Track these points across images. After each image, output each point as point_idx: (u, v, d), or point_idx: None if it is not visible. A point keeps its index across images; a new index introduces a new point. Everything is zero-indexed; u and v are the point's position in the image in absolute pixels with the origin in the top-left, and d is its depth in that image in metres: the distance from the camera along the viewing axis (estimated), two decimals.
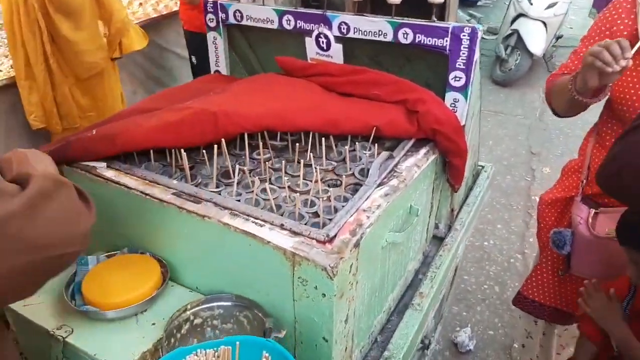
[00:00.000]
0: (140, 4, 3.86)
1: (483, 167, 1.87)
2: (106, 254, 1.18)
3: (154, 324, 1.04)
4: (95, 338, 1.00)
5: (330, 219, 1.02)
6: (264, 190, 1.15)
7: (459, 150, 1.29)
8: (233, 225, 0.99)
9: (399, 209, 1.16)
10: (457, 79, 1.30)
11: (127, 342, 0.99)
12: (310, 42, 1.49)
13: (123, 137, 1.18)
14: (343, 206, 1.06)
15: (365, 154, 1.28)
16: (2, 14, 2.51)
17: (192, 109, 1.21)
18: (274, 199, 1.12)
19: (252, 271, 1.02)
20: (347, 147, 1.27)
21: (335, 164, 1.26)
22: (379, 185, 1.12)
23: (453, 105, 1.34)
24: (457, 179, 1.39)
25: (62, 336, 0.99)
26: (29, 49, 2.49)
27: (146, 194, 1.10)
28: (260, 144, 1.28)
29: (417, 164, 1.23)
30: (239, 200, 1.09)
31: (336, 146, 1.30)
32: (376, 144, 1.26)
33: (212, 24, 1.67)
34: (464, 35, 1.22)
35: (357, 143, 1.29)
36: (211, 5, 1.63)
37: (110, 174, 1.16)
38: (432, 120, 1.24)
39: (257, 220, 1.00)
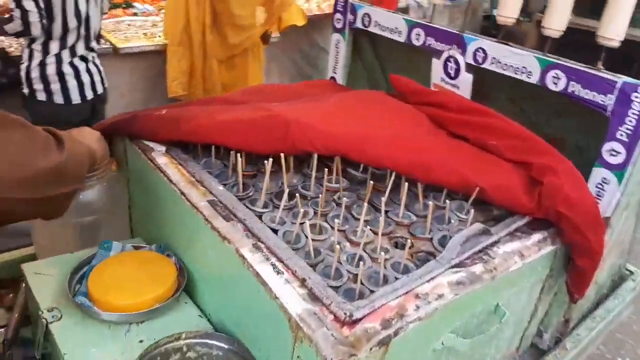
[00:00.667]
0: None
1: (632, 272, 1.41)
2: (134, 245, 1.07)
3: (141, 341, 0.89)
4: (76, 335, 0.88)
5: (371, 291, 0.78)
6: (313, 227, 0.93)
7: (589, 249, 0.93)
8: (248, 261, 0.80)
9: (475, 305, 0.86)
10: (614, 153, 0.94)
11: (104, 352, 0.86)
12: (437, 65, 1.23)
13: (188, 125, 1.05)
14: (396, 278, 0.81)
15: (458, 217, 0.99)
16: None
17: (267, 112, 1.04)
18: (318, 240, 0.90)
19: (258, 321, 0.82)
20: (434, 202, 0.99)
21: (415, 218, 1.00)
22: (455, 266, 0.83)
23: (599, 186, 0.98)
24: (579, 287, 1.02)
25: (45, 319, 0.89)
26: (191, 17, 2.60)
27: (183, 193, 0.95)
28: (339, 168, 1.07)
29: (522, 253, 0.91)
30: (276, 231, 0.90)
31: (426, 197, 1.03)
32: (472, 210, 0.96)
33: (339, 25, 1.50)
34: (637, 97, 0.87)
35: (452, 201, 1.01)
36: (341, 4, 1.46)
37: (161, 160, 1.05)
38: (559, 199, 0.90)
39: (277, 264, 0.79)
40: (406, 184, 0.97)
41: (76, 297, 0.92)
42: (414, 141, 1.01)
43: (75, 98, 2.29)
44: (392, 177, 1.00)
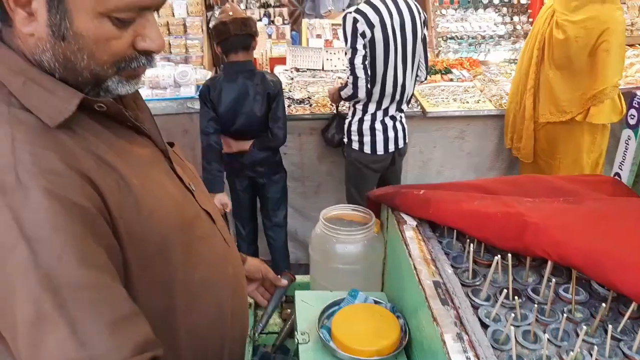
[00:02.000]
0: None
1: None
2: (375, 299, 1.27)
3: None
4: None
5: None
6: (527, 333, 0.95)
7: None
8: (447, 348, 0.89)
9: None
10: None
11: None
12: None
13: (436, 207, 1.20)
14: None
15: None
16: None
17: (507, 208, 1.09)
18: (527, 348, 0.91)
19: None
20: None
21: None
22: None
23: None
24: None
25: (298, 339, 1.17)
26: (518, 82, 2.82)
27: (416, 268, 1.10)
28: (574, 279, 1.03)
29: None
30: (487, 326, 0.95)
31: None
32: None
33: (632, 122, 1.38)
34: None
35: None
36: (637, 100, 1.35)
37: (409, 234, 1.22)
38: None
39: (473, 359, 0.86)
40: None
41: (321, 329, 1.17)
42: None
43: (380, 150, 2.71)
44: (636, 304, 0.92)
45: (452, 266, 1.13)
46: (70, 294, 0.64)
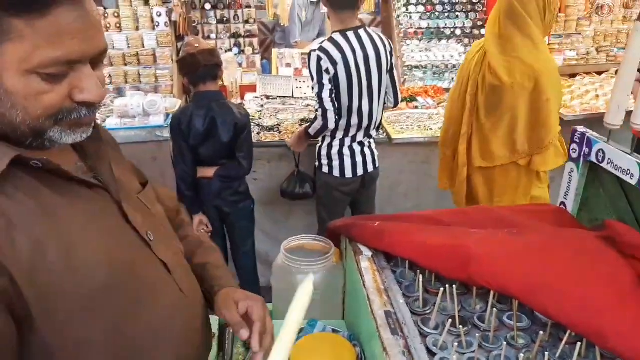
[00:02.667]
0: (597, 96, 3.64)
1: None
2: (333, 328, 1.31)
3: None
4: None
5: None
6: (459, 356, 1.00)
7: None
8: None
9: None
10: None
11: None
12: None
13: (390, 238, 1.26)
14: None
15: None
16: None
17: (454, 240, 1.16)
18: None
19: None
20: None
21: None
22: None
23: None
24: None
25: None
26: (450, 124, 2.73)
27: (369, 299, 1.15)
28: (515, 307, 1.09)
29: None
30: (434, 354, 1.00)
31: None
32: None
33: (574, 155, 1.48)
34: None
35: None
36: (578, 135, 1.44)
37: (364, 264, 1.27)
38: None
39: None
40: (582, 342, 0.94)
41: None
42: (600, 301, 0.97)
43: (348, 173, 2.79)
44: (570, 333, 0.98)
45: (405, 295, 1.18)
46: None
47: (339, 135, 2.73)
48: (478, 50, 2.49)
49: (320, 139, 2.83)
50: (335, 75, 2.52)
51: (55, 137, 0.81)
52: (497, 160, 2.45)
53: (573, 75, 4.27)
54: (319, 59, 2.48)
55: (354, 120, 2.67)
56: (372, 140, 2.88)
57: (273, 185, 3.35)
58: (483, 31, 4.35)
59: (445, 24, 4.32)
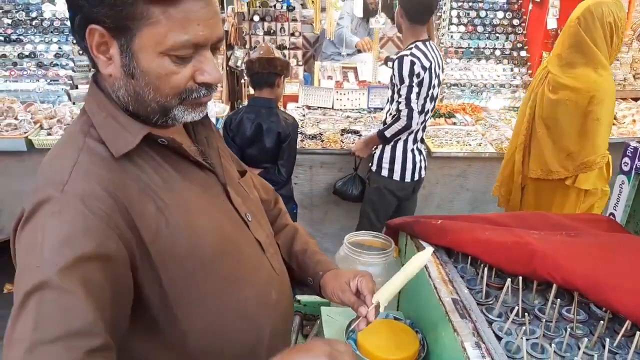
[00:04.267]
0: (634, 121, 3.69)
1: None
2: (395, 316, 1.40)
3: None
4: None
5: None
6: (535, 345, 1.09)
7: None
8: (467, 354, 1.02)
9: None
10: None
11: None
12: None
13: (453, 235, 1.36)
14: None
15: None
16: None
17: (518, 238, 1.25)
18: (536, 357, 1.05)
19: None
20: None
21: None
22: None
23: None
24: None
25: None
26: (513, 136, 2.83)
27: (435, 287, 1.25)
28: (576, 301, 1.18)
29: None
30: (500, 338, 1.09)
31: None
32: None
33: (626, 168, 1.56)
34: None
35: None
36: (631, 149, 1.53)
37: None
38: None
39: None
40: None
41: (348, 340, 1.30)
42: None
43: (408, 177, 2.95)
44: (630, 322, 1.07)
45: (467, 287, 1.27)
46: (50, 298, 0.73)
47: (403, 136, 2.89)
48: (543, 68, 2.65)
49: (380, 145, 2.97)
50: (422, 80, 2.72)
51: (178, 115, 0.93)
52: (550, 174, 2.55)
53: None
54: (413, 63, 2.67)
55: (420, 122, 2.87)
56: (423, 147, 3.05)
57: (312, 190, 3.48)
58: (522, 53, 4.45)
59: (486, 45, 4.43)
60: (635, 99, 4.33)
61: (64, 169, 0.85)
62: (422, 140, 3.01)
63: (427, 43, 2.78)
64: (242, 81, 4.03)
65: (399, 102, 2.79)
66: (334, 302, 1.12)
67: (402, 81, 2.73)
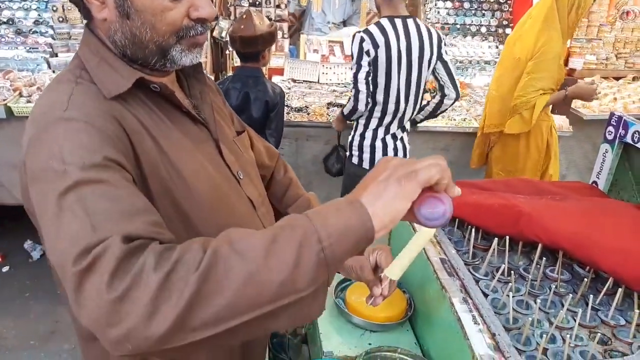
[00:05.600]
0: (615, 99, 3.75)
1: None
2: None
3: (370, 343, 1.23)
4: (331, 324, 1.28)
5: None
6: (520, 302, 1.12)
7: None
8: (455, 308, 1.05)
9: None
10: None
11: (345, 341, 1.23)
12: None
13: None
14: None
15: None
16: None
17: (505, 201, 1.28)
18: (520, 313, 1.08)
19: (452, 354, 1.05)
20: None
21: (623, 322, 1.06)
22: None
23: None
24: None
25: None
26: None
27: (423, 248, 1.27)
28: (560, 261, 1.21)
29: None
30: (486, 295, 1.12)
31: None
32: None
33: (609, 137, 1.59)
34: None
35: None
36: (615, 118, 1.56)
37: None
38: None
39: (477, 317, 1.02)
40: (621, 288, 1.06)
41: (336, 299, 1.32)
42: None
43: None
44: (612, 280, 1.10)
45: (455, 249, 1.30)
46: (90, 191, 0.72)
47: (373, 124, 2.74)
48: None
49: (353, 127, 2.86)
50: (376, 58, 2.54)
51: (176, 57, 0.92)
52: (499, 126, 2.98)
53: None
54: (362, 40, 2.51)
55: (390, 108, 2.69)
56: (405, 135, 2.86)
57: (298, 162, 3.48)
58: (508, 30, 4.46)
59: (472, 21, 4.43)
60: (617, 78, 4.40)
61: (60, 99, 0.83)
62: (402, 127, 2.79)
63: (400, 19, 2.56)
64: (227, 52, 3.97)
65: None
66: (351, 278, 1.11)
67: (352, 58, 2.59)
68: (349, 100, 2.73)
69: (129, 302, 0.61)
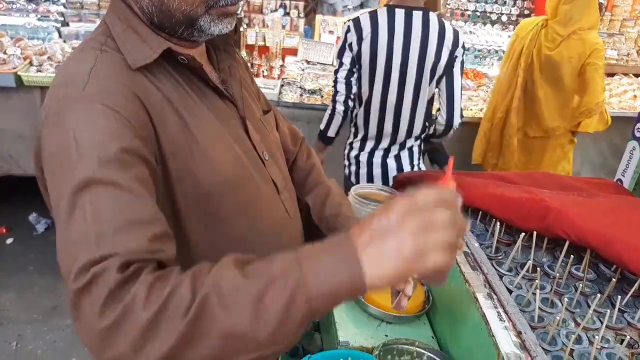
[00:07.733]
0: (635, 96, 3.68)
1: None
2: None
3: (386, 335, 1.20)
4: (347, 313, 1.25)
5: None
6: (545, 300, 1.09)
7: None
8: (480, 304, 1.02)
9: None
10: None
11: (361, 331, 1.20)
12: None
13: (465, 191, 1.31)
14: None
15: None
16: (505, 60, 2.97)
17: (532, 195, 1.24)
18: (546, 311, 1.05)
19: (475, 352, 1.03)
20: None
21: None
22: None
23: None
24: None
25: None
26: (499, 97, 2.93)
27: None
28: (588, 260, 1.18)
29: None
30: (510, 291, 1.09)
31: None
32: None
33: (638, 134, 1.55)
34: None
35: None
36: None
37: None
38: None
39: (502, 314, 0.99)
40: None
41: None
42: None
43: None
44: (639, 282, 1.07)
45: (477, 242, 1.26)
46: (101, 193, 0.70)
47: (369, 145, 2.26)
48: (531, 29, 2.73)
49: (347, 145, 2.36)
50: (359, 53, 2.07)
51: (204, 26, 0.88)
52: (551, 131, 2.75)
53: (611, 75, 4.30)
54: (347, 30, 2.08)
55: (387, 125, 2.17)
56: (414, 151, 2.31)
57: (310, 145, 3.44)
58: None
59: (492, 9, 4.34)
60: (637, 75, 4.31)
61: (82, 71, 0.80)
62: (403, 146, 2.25)
63: (402, 10, 2.04)
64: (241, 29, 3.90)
65: None
66: None
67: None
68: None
69: (119, 334, 0.61)
